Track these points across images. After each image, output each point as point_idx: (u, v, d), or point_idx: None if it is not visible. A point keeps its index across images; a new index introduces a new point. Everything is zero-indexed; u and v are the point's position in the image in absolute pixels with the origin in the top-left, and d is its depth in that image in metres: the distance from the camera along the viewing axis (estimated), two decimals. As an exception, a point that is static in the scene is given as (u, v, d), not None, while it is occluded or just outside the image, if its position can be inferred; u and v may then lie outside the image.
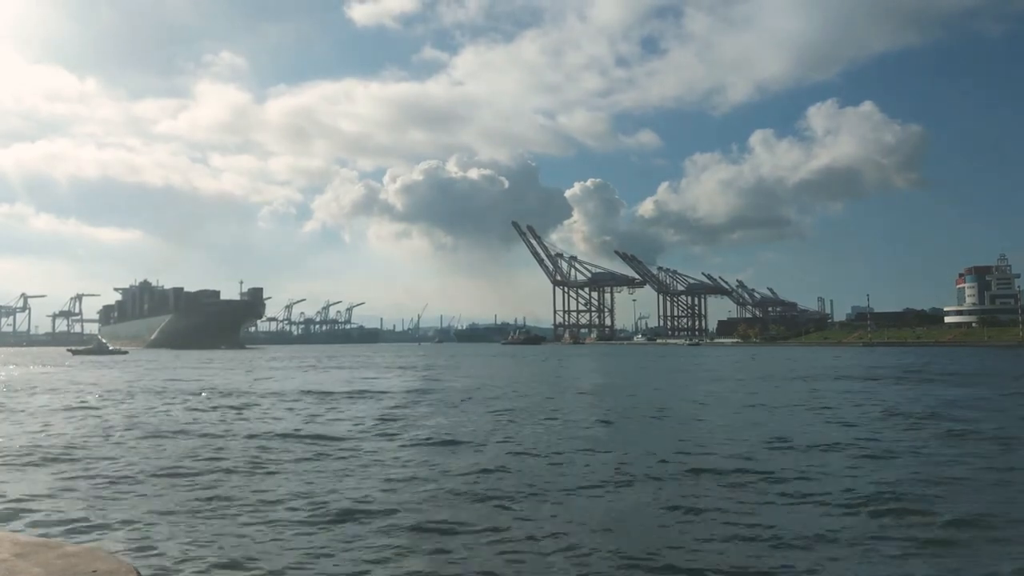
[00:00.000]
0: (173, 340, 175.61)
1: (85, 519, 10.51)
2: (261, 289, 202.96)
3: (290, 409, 27.47)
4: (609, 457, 15.78)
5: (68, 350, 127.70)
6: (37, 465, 15.15)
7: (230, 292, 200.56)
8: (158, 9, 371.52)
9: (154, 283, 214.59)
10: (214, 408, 27.84)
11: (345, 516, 10.62)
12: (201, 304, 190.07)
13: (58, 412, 26.48)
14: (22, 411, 27.00)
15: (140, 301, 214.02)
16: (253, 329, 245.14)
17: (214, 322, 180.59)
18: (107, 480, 13.49)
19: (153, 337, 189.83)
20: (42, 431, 20.80)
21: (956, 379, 43.88)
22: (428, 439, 18.62)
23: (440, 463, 14.99)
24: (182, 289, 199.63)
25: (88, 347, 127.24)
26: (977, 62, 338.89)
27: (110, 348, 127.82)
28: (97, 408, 28.33)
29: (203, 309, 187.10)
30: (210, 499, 11.73)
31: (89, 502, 11.64)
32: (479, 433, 19.96)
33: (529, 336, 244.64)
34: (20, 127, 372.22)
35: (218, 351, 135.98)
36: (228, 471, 14.33)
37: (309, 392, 35.66)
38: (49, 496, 12.12)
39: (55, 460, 15.65)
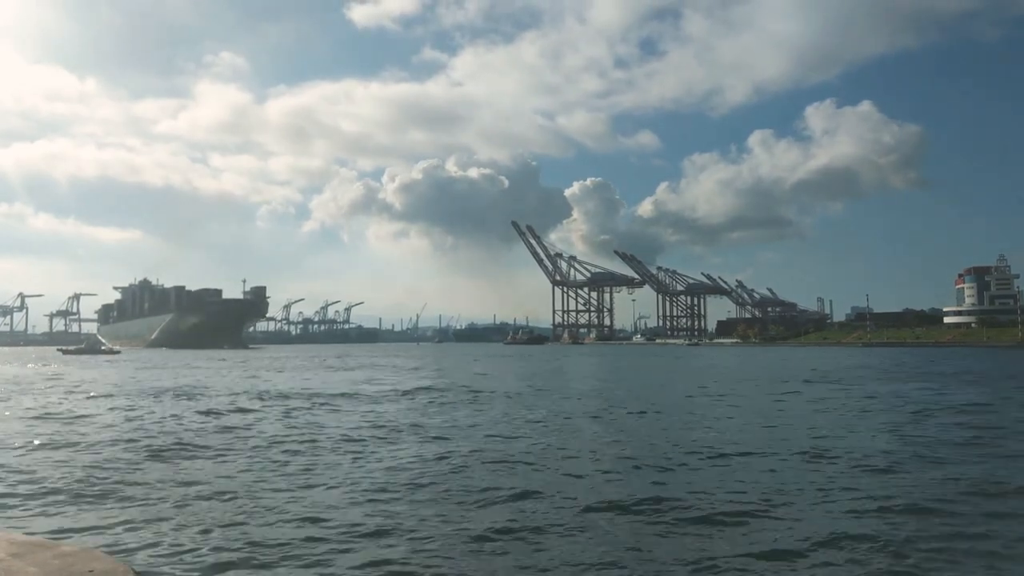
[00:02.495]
0: (174, 340, 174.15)
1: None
2: (264, 288, 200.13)
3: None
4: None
5: (58, 349, 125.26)
6: None
7: (230, 292, 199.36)
8: (158, 9, 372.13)
9: (154, 282, 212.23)
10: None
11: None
12: (203, 303, 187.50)
13: None
14: None
15: (140, 300, 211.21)
16: (252, 329, 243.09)
17: (217, 321, 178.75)
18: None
19: (154, 337, 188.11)
20: None
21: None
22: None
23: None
24: (183, 288, 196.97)
25: (80, 347, 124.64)
26: (976, 63, 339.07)
27: (103, 347, 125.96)
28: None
29: (205, 308, 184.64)
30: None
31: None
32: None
33: (532, 336, 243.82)
34: (20, 127, 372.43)
35: (222, 351, 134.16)
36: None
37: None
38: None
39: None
